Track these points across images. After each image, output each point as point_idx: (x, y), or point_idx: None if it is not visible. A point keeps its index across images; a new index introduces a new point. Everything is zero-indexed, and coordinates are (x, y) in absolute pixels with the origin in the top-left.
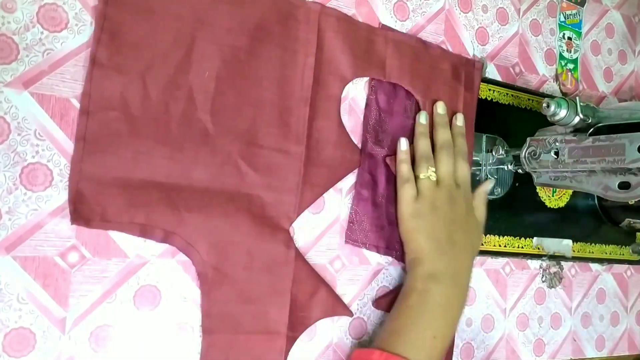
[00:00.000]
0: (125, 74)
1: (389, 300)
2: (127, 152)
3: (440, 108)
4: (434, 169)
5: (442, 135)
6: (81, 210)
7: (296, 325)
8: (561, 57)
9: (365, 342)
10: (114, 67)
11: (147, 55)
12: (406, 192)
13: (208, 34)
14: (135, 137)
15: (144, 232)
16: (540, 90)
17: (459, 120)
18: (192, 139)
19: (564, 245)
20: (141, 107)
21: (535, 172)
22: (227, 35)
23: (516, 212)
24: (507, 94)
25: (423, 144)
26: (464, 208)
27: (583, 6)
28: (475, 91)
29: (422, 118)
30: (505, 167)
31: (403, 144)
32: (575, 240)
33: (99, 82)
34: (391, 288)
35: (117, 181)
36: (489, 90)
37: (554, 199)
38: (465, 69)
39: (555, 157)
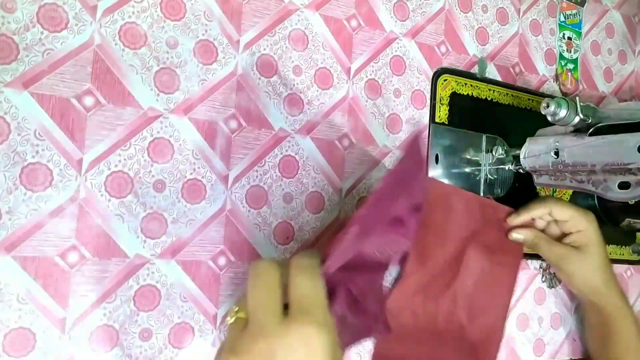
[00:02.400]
0: (420, 283)
1: None
2: (410, 342)
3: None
4: (234, 312)
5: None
6: None
7: None
8: (561, 57)
9: None
10: (415, 278)
11: (437, 268)
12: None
13: (474, 251)
14: (416, 329)
15: None
16: (540, 90)
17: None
18: (451, 332)
19: None
20: (422, 306)
21: (535, 172)
22: (485, 250)
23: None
24: (507, 94)
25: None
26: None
27: (583, 6)
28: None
29: None
30: (506, 167)
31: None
32: None
33: (400, 289)
34: None
35: None
36: (489, 90)
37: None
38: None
39: (555, 157)
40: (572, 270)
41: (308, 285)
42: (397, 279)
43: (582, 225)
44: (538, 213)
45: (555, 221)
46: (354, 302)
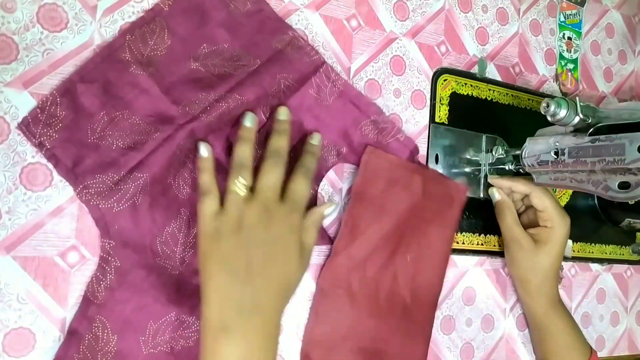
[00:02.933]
0: (353, 260)
1: None
2: (346, 322)
3: (282, 113)
4: (246, 182)
5: (276, 142)
6: None
7: None
8: (561, 57)
9: None
10: (346, 255)
11: (372, 244)
12: (205, 207)
13: (412, 230)
14: (353, 309)
15: None
16: (540, 90)
17: (315, 139)
18: (394, 312)
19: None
20: (359, 285)
21: (535, 172)
22: (425, 227)
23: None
24: (507, 94)
25: (241, 150)
26: (285, 229)
27: (583, 6)
28: (455, 210)
29: (248, 121)
30: (506, 167)
31: (203, 150)
32: (575, 240)
33: (331, 266)
34: None
35: (335, 345)
36: (489, 90)
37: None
38: (452, 191)
39: (555, 157)
40: (518, 259)
41: (305, 186)
42: (327, 257)
43: (553, 223)
44: (519, 188)
45: (532, 208)
46: None
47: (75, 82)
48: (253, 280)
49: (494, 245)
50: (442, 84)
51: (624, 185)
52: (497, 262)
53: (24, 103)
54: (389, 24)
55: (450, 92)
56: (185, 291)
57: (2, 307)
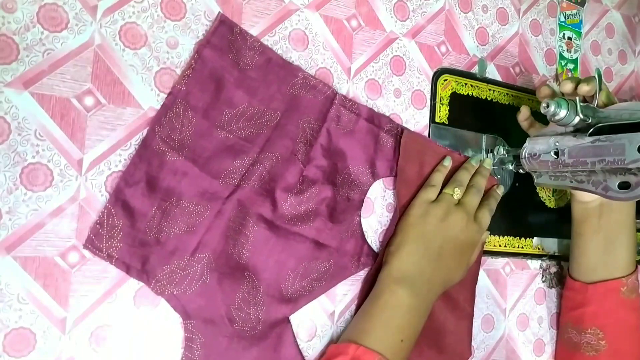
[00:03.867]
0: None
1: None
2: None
3: (487, 162)
4: (460, 193)
5: (479, 180)
6: None
7: None
8: (561, 57)
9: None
10: (390, 231)
11: None
12: (426, 193)
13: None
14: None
15: None
16: None
17: (500, 189)
18: None
19: (564, 245)
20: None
21: (535, 172)
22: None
23: (516, 212)
24: (507, 94)
25: (463, 175)
26: (470, 241)
27: (583, 6)
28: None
29: (473, 161)
30: (506, 167)
31: (447, 161)
32: None
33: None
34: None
35: None
36: (489, 90)
37: (554, 199)
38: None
39: (555, 157)
40: None
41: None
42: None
43: None
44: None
45: None
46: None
47: (123, 188)
48: (438, 262)
49: (494, 245)
50: (442, 84)
51: (624, 185)
52: (497, 262)
53: (24, 103)
54: (389, 24)
55: (450, 92)
56: (264, 348)
57: (2, 307)
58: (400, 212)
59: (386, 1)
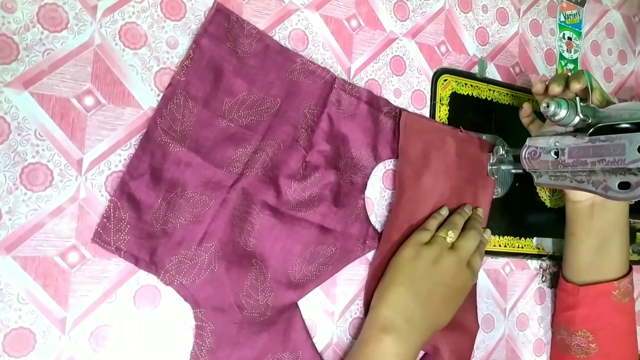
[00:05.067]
0: (397, 219)
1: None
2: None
3: (480, 211)
4: (454, 237)
5: (476, 224)
6: None
7: None
8: (561, 57)
9: None
10: (394, 214)
11: (414, 202)
12: (419, 235)
13: (452, 189)
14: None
15: None
16: None
17: (480, 212)
18: None
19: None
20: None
21: (535, 172)
22: (464, 186)
23: (516, 212)
24: (507, 94)
25: (458, 218)
26: (461, 287)
27: (583, 6)
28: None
29: (467, 208)
30: (506, 167)
31: (444, 210)
32: None
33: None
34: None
35: None
36: (489, 90)
37: (554, 199)
38: (484, 150)
39: (555, 157)
40: None
41: (480, 262)
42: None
43: None
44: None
45: None
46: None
47: (127, 181)
48: (427, 306)
49: (494, 245)
50: (442, 84)
51: (624, 185)
52: (497, 262)
53: (24, 103)
54: (389, 24)
55: (450, 92)
56: (274, 333)
57: (2, 307)
58: (402, 193)
59: (386, 1)
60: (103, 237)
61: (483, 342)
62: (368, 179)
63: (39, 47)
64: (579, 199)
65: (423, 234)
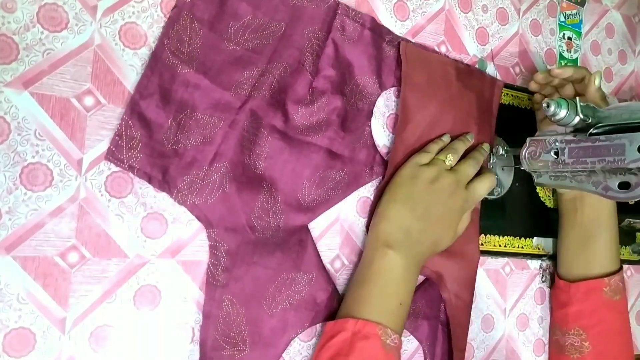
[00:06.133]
0: (404, 144)
1: None
2: None
3: (485, 145)
4: (453, 160)
5: (478, 154)
6: None
7: None
8: (561, 57)
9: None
10: (399, 139)
11: (420, 130)
12: (419, 157)
13: (454, 120)
14: None
15: None
16: None
17: (486, 146)
18: None
19: None
20: None
21: (535, 172)
22: (467, 119)
23: (516, 212)
24: (507, 94)
25: (459, 144)
26: (458, 208)
27: (583, 6)
28: (494, 104)
29: (469, 136)
30: (506, 167)
31: (446, 137)
32: None
33: (392, 150)
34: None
35: None
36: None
37: (554, 199)
38: (487, 85)
39: (555, 157)
40: None
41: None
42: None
43: None
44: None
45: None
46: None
47: (137, 100)
48: (425, 222)
49: (494, 245)
50: None
51: (624, 185)
52: (497, 262)
53: (24, 103)
54: (389, 24)
55: None
56: (287, 253)
57: (2, 307)
58: (406, 121)
59: (386, 1)
60: (116, 154)
61: (483, 342)
62: (373, 106)
63: (39, 47)
64: (563, 190)
65: (423, 155)
